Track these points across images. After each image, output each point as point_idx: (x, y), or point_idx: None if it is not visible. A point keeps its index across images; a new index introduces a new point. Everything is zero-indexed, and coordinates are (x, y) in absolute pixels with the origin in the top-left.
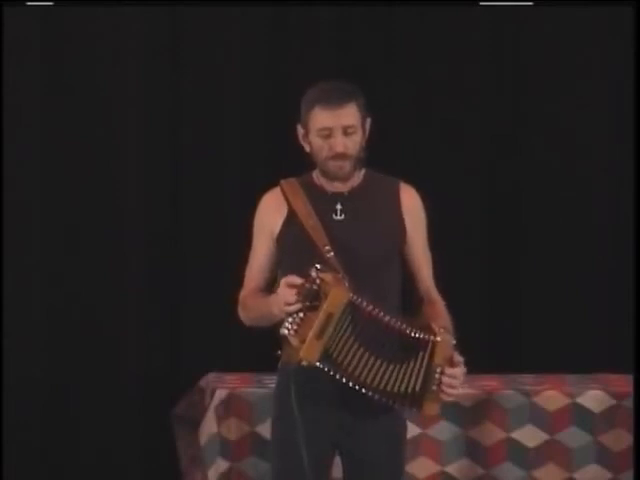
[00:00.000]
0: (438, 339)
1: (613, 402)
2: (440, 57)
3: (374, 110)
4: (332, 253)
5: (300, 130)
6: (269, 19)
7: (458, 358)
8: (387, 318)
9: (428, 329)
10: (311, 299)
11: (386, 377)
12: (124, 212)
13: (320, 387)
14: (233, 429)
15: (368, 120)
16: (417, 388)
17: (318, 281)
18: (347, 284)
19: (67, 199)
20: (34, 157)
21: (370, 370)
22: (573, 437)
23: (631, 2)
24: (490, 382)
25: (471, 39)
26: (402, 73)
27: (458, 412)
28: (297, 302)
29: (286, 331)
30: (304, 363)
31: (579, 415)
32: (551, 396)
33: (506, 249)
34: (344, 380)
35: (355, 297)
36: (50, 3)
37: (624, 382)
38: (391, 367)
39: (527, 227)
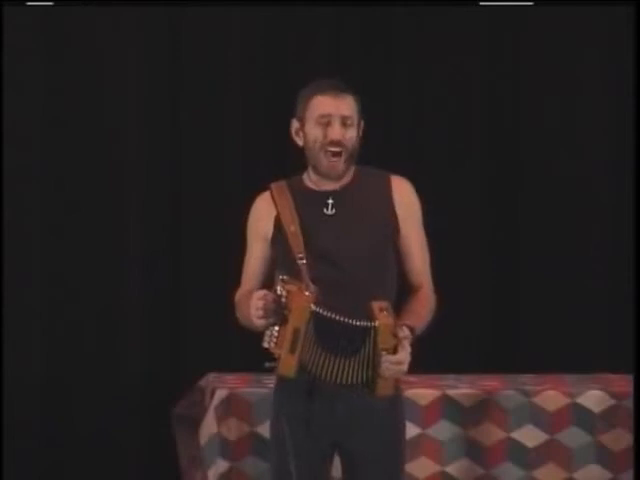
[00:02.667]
0: (376, 324)
1: (613, 402)
2: (440, 57)
3: (374, 110)
4: (304, 261)
5: (295, 124)
6: (269, 19)
7: (403, 334)
8: (342, 318)
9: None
10: (280, 312)
11: (347, 371)
12: (124, 212)
13: (318, 387)
14: (233, 429)
15: (362, 123)
16: (370, 374)
17: (285, 293)
18: (309, 294)
19: (67, 199)
20: (34, 157)
21: (333, 369)
22: (573, 437)
23: (631, 2)
24: (490, 382)
25: (471, 39)
26: (402, 73)
27: (458, 412)
28: (265, 317)
29: (266, 345)
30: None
31: (579, 415)
32: (551, 396)
33: (506, 249)
34: (317, 381)
35: (316, 307)
36: (50, 3)
37: (624, 382)
38: (349, 361)
39: (527, 227)
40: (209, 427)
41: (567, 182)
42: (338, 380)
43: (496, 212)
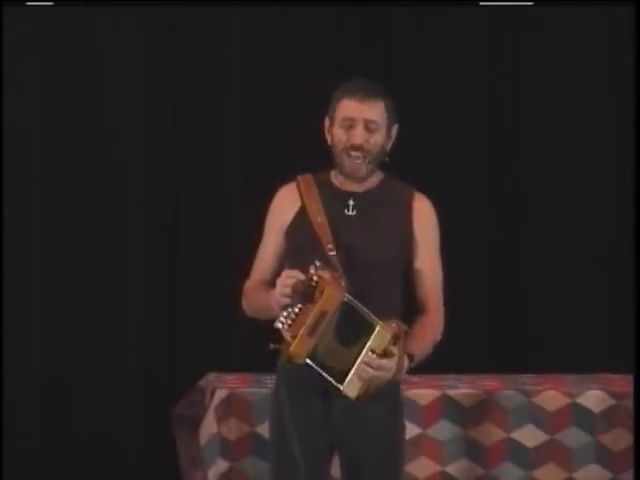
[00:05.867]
0: (379, 324)
1: (613, 402)
2: (440, 57)
3: None
4: (334, 252)
5: (326, 122)
6: (269, 19)
7: (393, 350)
8: (362, 310)
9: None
10: (307, 295)
11: (337, 357)
12: (124, 212)
13: (316, 387)
14: (233, 429)
15: (395, 126)
16: (348, 366)
17: (316, 278)
18: (344, 284)
19: (67, 199)
20: (34, 157)
21: (330, 351)
22: (573, 437)
23: (631, 2)
24: (490, 382)
25: (471, 39)
26: (402, 73)
27: (458, 412)
28: (292, 296)
29: (280, 325)
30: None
31: (579, 415)
32: (551, 396)
33: (506, 249)
34: (315, 366)
35: (349, 297)
36: (50, 3)
37: (624, 382)
38: (343, 348)
39: (527, 227)
40: (209, 427)
41: (567, 182)
42: (329, 364)
43: (496, 212)
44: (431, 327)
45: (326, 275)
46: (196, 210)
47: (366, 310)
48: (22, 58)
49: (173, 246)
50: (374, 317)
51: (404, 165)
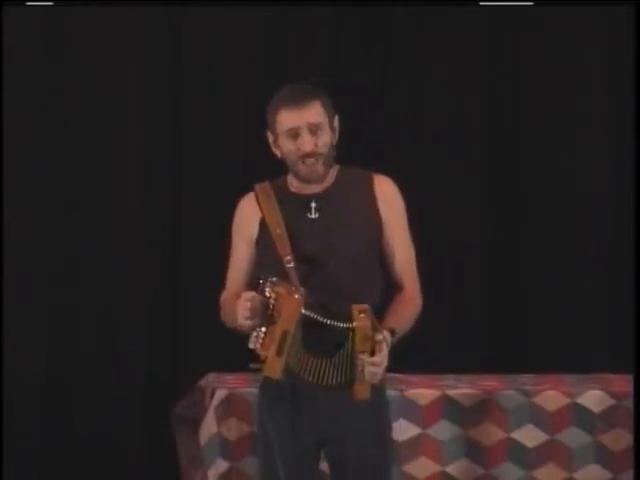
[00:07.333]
0: (353, 325)
1: (613, 402)
2: (440, 57)
3: (373, 110)
4: (292, 264)
5: (270, 137)
6: (269, 19)
7: (380, 336)
8: (327, 320)
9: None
10: (268, 313)
11: (327, 372)
12: (124, 212)
13: (300, 388)
14: (233, 429)
15: (336, 118)
16: (347, 376)
17: (273, 295)
18: (297, 297)
19: (67, 199)
20: (34, 157)
21: (316, 370)
22: (573, 437)
23: (631, 2)
24: (490, 382)
25: (471, 39)
26: (402, 73)
27: (458, 412)
28: (252, 318)
29: (252, 345)
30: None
31: (579, 415)
32: (551, 396)
33: (506, 249)
34: (302, 382)
35: (307, 311)
36: (50, 3)
37: (624, 382)
38: (329, 362)
39: (527, 227)
40: (209, 427)
41: (567, 182)
42: (320, 381)
43: (496, 212)
44: (411, 301)
45: (282, 291)
46: (196, 210)
47: (327, 320)
48: (22, 58)
49: (173, 246)
50: (339, 322)
51: (404, 165)
